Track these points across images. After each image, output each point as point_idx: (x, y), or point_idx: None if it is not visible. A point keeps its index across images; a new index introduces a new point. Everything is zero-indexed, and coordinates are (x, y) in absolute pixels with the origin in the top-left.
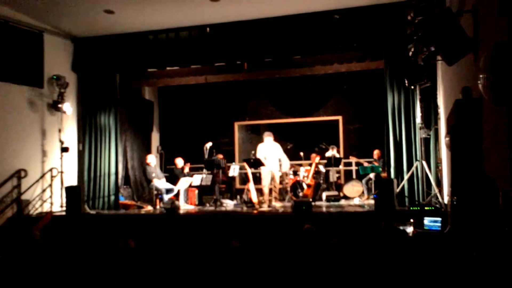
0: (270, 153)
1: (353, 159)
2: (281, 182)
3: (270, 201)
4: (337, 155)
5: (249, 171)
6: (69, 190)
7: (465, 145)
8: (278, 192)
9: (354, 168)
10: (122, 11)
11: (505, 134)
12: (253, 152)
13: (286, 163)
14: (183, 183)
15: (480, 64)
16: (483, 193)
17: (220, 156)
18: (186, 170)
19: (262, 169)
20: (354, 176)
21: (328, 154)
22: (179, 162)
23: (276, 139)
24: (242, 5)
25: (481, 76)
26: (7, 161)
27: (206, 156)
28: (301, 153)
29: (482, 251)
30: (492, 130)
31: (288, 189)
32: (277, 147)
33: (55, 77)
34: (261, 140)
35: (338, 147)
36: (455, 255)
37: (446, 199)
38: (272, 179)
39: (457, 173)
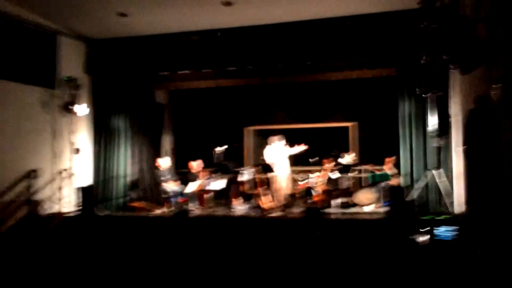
0: (279, 157)
1: (366, 167)
2: (292, 188)
3: (280, 206)
4: (354, 162)
5: (260, 176)
6: (82, 190)
7: (480, 155)
8: (289, 198)
9: (365, 175)
10: (135, 15)
11: None
12: (261, 157)
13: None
14: (192, 186)
15: (494, 74)
16: (500, 201)
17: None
18: (202, 175)
19: (276, 174)
20: (365, 183)
21: (343, 161)
22: (195, 165)
23: (287, 144)
24: (254, 10)
25: (494, 86)
26: (19, 162)
27: (216, 160)
28: (312, 160)
29: (496, 260)
30: (508, 139)
31: (299, 195)
32: (287, 151)
33: (66, 78)
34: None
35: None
36: (467, 264)
37: (457, 208)
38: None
39: (473, 182)
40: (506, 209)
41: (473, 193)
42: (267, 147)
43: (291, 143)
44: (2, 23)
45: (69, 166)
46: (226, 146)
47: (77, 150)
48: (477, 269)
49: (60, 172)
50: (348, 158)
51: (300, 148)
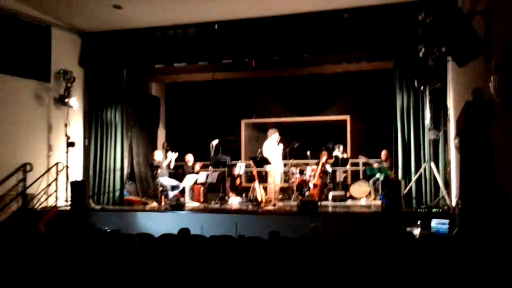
0: (276, 150)
1: (361, 159)
2: (287, 181)
3: (276, 199)
4: (344, 155)
5: (255, 169)
6: (75, 184)
7: (474, 147)
8: (283, 192)
9: (361, 168)
10: (131, 6)
11: None
12: (259, 150)
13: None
14: (188, 180)
15: (491, 66)
16: (491, 197)
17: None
18: (197, 168)
19: (270, 167)
20: (361, 176)
21: (338, 153)
22: (189, 158)
23: (283, 137)
24: (250, 2)
25: (492, 78)
26: (13, 155)
27: (212, 154)
28: (308, 152)
29: (489, 254)
30: (502, 133)
31: (294, 188)
32: (281, 146)
33: (62, 71)
34: (266, 138)
35: (345, 147)
36: (462, 258)
37: (454, 202)
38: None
39: (466, 176)
40: (496, 203)
41: (465, 187)
42: (267, 140)
43: (288, 136)
44: None
45: (64, 160)
46: (217, 141)
47: (72, 144)
48: (468, 264)
49: (55, 165)
50: (338, 151)
51: None
